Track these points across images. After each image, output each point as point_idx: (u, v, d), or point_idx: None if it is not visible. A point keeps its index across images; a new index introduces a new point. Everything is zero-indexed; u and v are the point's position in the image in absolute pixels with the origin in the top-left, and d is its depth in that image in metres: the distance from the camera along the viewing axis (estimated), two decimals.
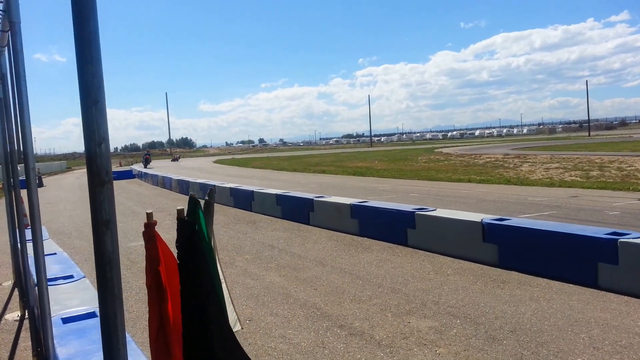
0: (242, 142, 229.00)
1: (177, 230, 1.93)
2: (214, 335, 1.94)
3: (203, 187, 16.86)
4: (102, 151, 1.16)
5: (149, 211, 1.92)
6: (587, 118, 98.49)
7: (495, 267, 6.44)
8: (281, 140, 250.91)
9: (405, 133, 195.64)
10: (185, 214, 1.97)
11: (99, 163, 1.16)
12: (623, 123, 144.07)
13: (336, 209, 9.75)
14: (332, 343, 4.33)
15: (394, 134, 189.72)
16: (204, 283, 1.88)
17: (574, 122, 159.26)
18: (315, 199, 10.52)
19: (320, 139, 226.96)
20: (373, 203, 9.33)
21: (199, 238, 1.92)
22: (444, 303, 5.24)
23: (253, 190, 13.41)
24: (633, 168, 19.88)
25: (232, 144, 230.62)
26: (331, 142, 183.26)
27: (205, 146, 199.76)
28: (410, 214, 7.94)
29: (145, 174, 29.49)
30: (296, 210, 11.13)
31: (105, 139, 1.16)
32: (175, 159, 65.16)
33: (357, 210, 9.20)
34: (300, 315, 5.08)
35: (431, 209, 8.08)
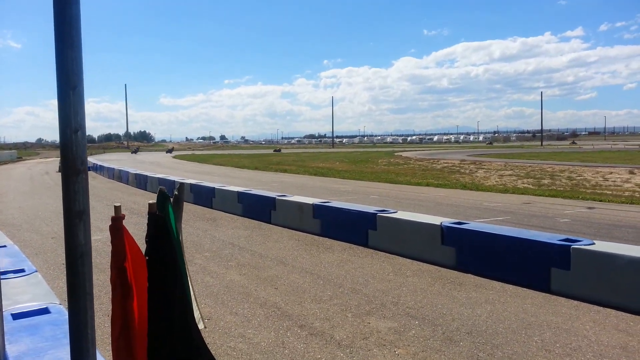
0: (203, 138, 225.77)
1: (148, 225, 1.88)
2: (181, 334, 1.89)
3: (162, 182, 16.48)
4: (78, 139, 1.11)
5: (117, 204, 1.86)
6: (540, 128, 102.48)
7: (453, 270, 6.60)
8: (243, 137, 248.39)
9: (367, 135, 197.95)
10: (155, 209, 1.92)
11: (75, 151, 1.11)
12: (574, 134, 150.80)
13: (298, 209, 9.74)
14: (292, 343, 4.33)
15: (356, 136, 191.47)
16: (173, 280, 1.83)
17: (528, 132, 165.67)
18: (278, 197, 10.48)
19: (283, 138, 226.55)
20: (335, 203, 9.38)
21: (168, 233, 1.88)
22: (403, 304, 5.33)
23: (214, 187, 13.22)
24: (582, 178, 20.83)
25: (193, 139, 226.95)
26: (293, 141, 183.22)
27: (164, 140, 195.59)
28: (372, 216, 8.02)
29: (101, 166, 28.54)
30: (258, 208, 11.05)
31: (82, 126, 1.12)
32: (134, 152, 68.85)
33: (320, 210, 9.22)
34: (261, 315, 5.04)
35: (392, 211, 8.20)
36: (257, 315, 5.04)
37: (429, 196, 15.30)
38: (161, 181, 16.74)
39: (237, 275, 6.54)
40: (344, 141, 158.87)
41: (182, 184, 2.16)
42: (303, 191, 15.91)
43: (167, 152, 71.97)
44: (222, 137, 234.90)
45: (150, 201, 1.92)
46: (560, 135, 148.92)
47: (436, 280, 6.22)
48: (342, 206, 9.05)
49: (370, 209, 8.55)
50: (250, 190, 12.29)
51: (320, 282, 6.19)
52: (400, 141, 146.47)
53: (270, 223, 10.41)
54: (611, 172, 23.20)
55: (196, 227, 10.35)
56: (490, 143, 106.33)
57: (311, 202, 9.53)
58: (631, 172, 22.92)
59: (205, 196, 13.49)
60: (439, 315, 4.98)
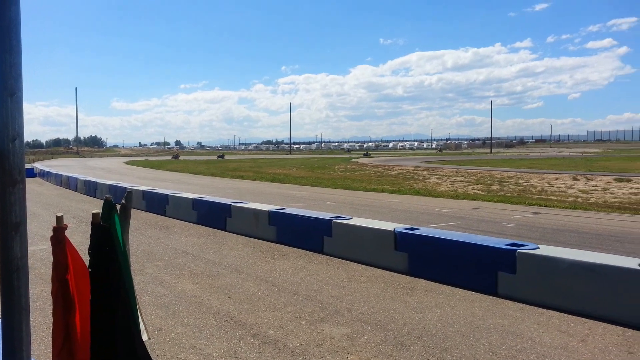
0: (158, 143, 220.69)
1: (91, 235, 1.83)
2: (124, 347, 1.85)
3: (113, 189, 15.99)
4: (15, 148, 1.08)
5: (59, 214, 1.81)
6: (490, 136, 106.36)
7: (405, 275, 6.74)
8: (199, 143, 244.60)
9: (324, 142, 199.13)
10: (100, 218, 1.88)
11: (12, 160, 1.07)
12: (522, 142, 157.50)
13: (254, 216, 9.68)
14: (245, 352, 4.29)
15: (313, 143, 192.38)
16: (117, 292, 1.79)
17: (478, 139, 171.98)
18: (233, 204, 10.38)
19: (240, 144, 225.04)
20: (291, 210, 9.39)
21: (113, 244, 1.84)
22: (357, 310, 5.39)
23: (167, 194, 12.95)
24: (529, 184, 21.73)
25: (147, 145, 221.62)
26: (250, 147, 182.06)
27: (116, 146, 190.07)
28: (327, 222, 8.08)
29: (48, 172, 27.38)
30: (212, 215, 10.90)
31: (20, 134, 1.08)
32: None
33: (275, 217, 9.20)
34: (213, 325, 4.97)
35: (347, 217, 8.29)
36: (210, 325, 4.97)
37: (384, 202, 15.55)
38: (112, 188, 16.24)
39: (190, 285, 6.42)
40: (301, 147, 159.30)
41: (129, 192, 2.12)
42: (259, 198, 15.82)
43: (173, 157, 74.59)
44: (178, 143, 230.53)
45: (94, 211, 1.88)
46: (508, 143, 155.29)
47: (389, 285, 6.33)
48: (297, 213, 9.07)
49: (325, 215, 8.61)
50: (205, 197, 12.12)
51: (275, 289, 6.18)
52: (357, 148, 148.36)
53: (225, 230, 10.29)
54: (556, 179, 24.31)
55: (148, 235, 10.10)
56: (440, 150, 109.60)
57: (267, 209, 9.49)
58: (575, 179, 24.10)
59: (158, 203, 13.19)
60: (391, 320, 5.07)
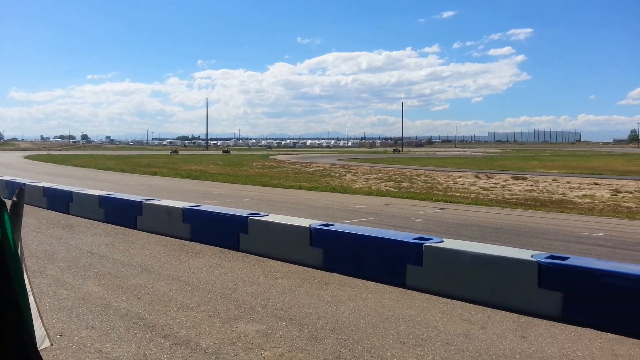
0: (62, 137, 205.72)
1: None
2: (15, 357, 1.72)
3: (10, 185, 14.71)
4: None
5: None
6: (401, 135, 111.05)
7: (320, 270, 6.85)
8: (108, 137, 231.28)
9: (242, 138, 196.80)
10: None
11: None
12: (430, 142, 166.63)
13: (167, 213, 9.34)
14: (155, 354, 4.14)
15: (231, 139, 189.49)
16: (7, 297, 1.65)
17: (391, 139, 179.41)
18: (144, 201, 9.94)
19: (153, 139, 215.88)
20: (206, 207, 9.18)
21: (1, 245, 1.69)
22: (272, 306, 5.40)
23: (72, 191, 12.12)
24: (435, 181, 22.98)
25: (49, 138, 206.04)
26: (165, 143, 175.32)
27: (15, 139, 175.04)
28: (244, 219, 8.00)
29: None
30: (122, 213, 10.37)
31: None
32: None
33: (190, 214, 8.94)
34: (121, 327, 4.74)
35: (264, 214, 8.26)
36: (117, 327, 4.73)
37: (301, 199, 15.69)
38: (9, 184, 14.94)
39: (96, 286, 6.07)
40: (218, 144, 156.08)
41: (21, 189, 1.96)
42: (173, 195, 15.32)
43: (171, 152, 71.23)
44: (84, 137, 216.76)
45: None
46: (418, 142, 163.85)
47: (304, 280, 6.40)
48: (213, 210, 8.89)
49: (242, 212, 8.52)
50: (113, 194, 11.50)
51: (188, 288, 6.02)
52: (275, 145, 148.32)
53: (136, 229, 9.83)
54: (460, 176, 25.93)
55: (49, 234, 9.40)
56: (375, 146, 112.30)
57: (181, 206, 9.21)
58: (477, 177, 25.85)
59: (61, 200, 12.30)
60: (306, 314, 5.14)
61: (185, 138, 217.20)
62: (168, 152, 72.96)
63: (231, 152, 75.47)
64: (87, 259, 7.44)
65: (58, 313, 5.10)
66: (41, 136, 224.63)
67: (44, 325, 2.34)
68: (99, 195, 11.16)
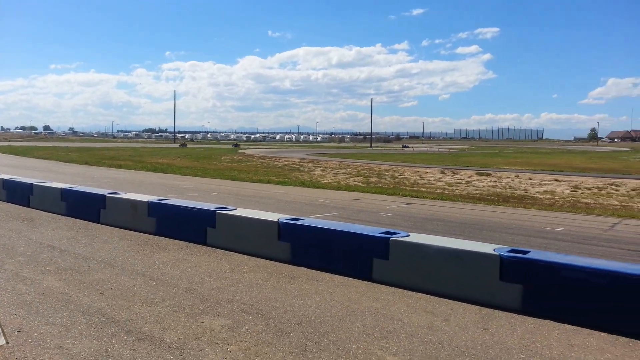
0: (23, 128, 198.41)
1: None
2: None
3: None
4: None
5: None
6: (370, 131, 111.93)
7: (288, 264, 6.85)
8: (71, 129, 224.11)
9: (211, 132, 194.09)
10: None
11: None
12: (398, 138, 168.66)
13: (131, 206, 9.15)
14: (118, 350, 4.07)
15: (200, 132, 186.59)
16: None
17: (360, 134, 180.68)
18: (108, 195, 9.71)
19: (119, 131, 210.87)
20: (172, 201, 9.04)
21: None
22: (238, 300, 5.37)
23: (32, 183, 11.72)
24: (403, 177, 23.27)
25: (10, 129, 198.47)
26: (130, 135, 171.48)
27: None
28: (211, 213, 7.91)
29: None
30: (85, 207, 10.10)
31: None
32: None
33: (155, 208, 8.79)
34: (82, 323, 4.63)
35: (232, 208, 8.19)
36: (78, 323, 4.62)
37: (270, 193, 15.63)
38: None
39: (56, 281, 5.91)
40: (187, 137, 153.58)
41: None
42: (139, 188, 15.02)
43: (180, 145, 71.65)
44: (46, 128, 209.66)
45: None
46: (386, 138, 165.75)
47: (272, 275, 6.39)
48: (179, 204, 8.76)
49: (209, 206, 8.42)
50: (76, 186, 11.18)
51: (153, 283, 5.92)
52: (244, 139, 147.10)
53: (99, 223, 9.59)
54: (427, 172, 26.34)
55: (8, 228, 9.08)
56: (336, 141, 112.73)
57: (146, 200, 9.03)
58: (442, 172, 26.31)
59: (21, 193, 11.89)
60: (272, 308, 5.14)
61: (152, 131, 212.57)
62: (177, 146, 73.30)
63: (188, 146, 74.07)
64: (47, 253, 7.23)
65: (17, 309, 4.94)
66: (1, 127, 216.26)
67: None
68: (61, 188, 10.83)
